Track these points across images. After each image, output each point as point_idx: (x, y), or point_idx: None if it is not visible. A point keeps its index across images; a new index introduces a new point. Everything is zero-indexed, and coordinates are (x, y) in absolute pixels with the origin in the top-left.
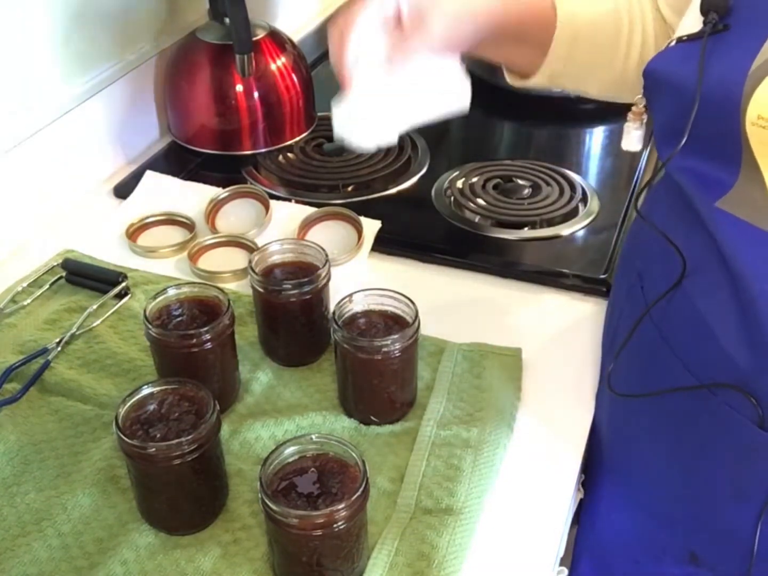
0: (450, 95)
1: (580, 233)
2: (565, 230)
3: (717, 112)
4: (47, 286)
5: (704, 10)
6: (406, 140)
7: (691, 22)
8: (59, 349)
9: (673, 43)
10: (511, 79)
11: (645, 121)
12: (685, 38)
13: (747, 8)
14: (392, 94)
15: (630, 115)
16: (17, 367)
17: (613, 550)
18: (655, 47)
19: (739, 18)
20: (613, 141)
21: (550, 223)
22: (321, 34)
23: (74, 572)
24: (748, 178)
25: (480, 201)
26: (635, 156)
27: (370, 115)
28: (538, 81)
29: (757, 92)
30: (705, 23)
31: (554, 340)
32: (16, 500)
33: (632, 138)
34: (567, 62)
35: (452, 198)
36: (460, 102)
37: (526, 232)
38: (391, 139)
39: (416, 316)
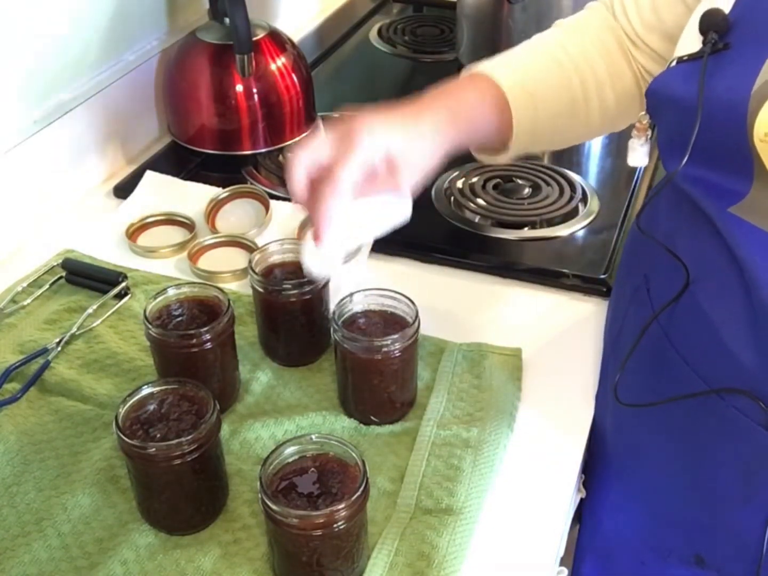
0: (394, 211)
1: (580, 233)
2: (565, 230)
3: (723, 129)
4: (47, 286)
5: (703, 30)
6: None
7: (690, 41)
8: (59, 349)
9: (673, 64)
10: (477, 156)
11: (650, 136)
12: (685, 58)
13: (746, 27)
14: (350, 226)
15: (634, 131)
16: (17, 367)
17: (619, 551)
18: (615, 100)
19: (739, 36)
20: (613, 141)
21: (550, 223)
22: (321, 33)
23: (74, 572)
24: (760, 189)
25: (480, 201)
26: None
27: (336, 252)
28: (505, 159)
29: (763, 110)
30: (704, 43)
31: (554, 340)
32: (16, 500)
33: (638, 154)
34: (530, 143)
35: (452, 198)
36: (403, 215)
37: (526, 232)
38: (343, 261)
39: (416, 316)
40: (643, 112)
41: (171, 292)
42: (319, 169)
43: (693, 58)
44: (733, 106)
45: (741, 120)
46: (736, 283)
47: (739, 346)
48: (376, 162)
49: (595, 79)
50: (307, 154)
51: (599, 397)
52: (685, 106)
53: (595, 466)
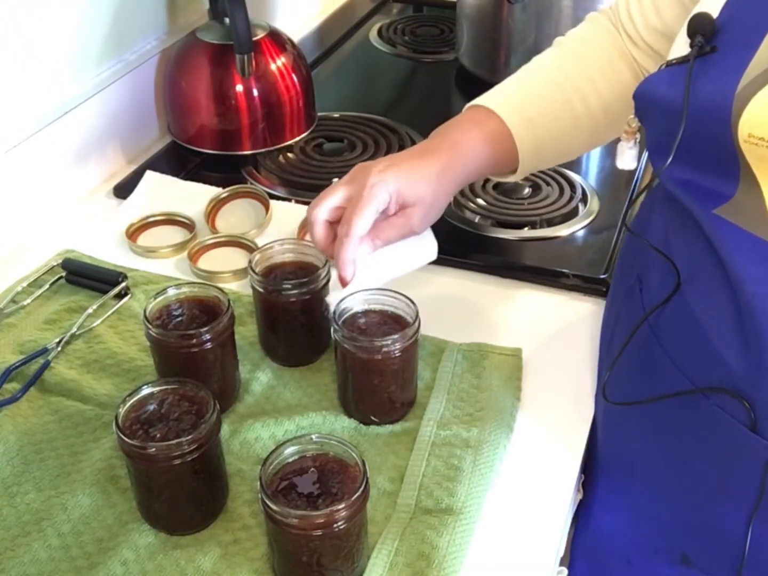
0: (421, 252)
1: (580, 233)
2: (565, 230)
3: (708, 131)
4: (47, 286)
5: (691, 33)
6: (406, 140)
7: (681, 46)
8: (59, 349)
9: (663, 67)
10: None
11: (638, 140)
12: (674, 62)
13: (733, 30)
14: (375, 268)
15: (623, 135)
16: (17, 367)
17: (607, 551)
18: (622, 110)
19: (726, 39)
20: (613, 141)
21: (550, 223)
22: (321, 33)
23: (74, 572)
24: (746, 191)
25: (480, 201)
26: None
27: (359, 291)
28: (515, 179)
29: (746, 111)
30: (692, 46)
31: (554, 339)
32: (16, 500)
33: (626, 157)
34: (537, 164)
35: (452, 198)
36: (430, 255)
37: (526, 232)
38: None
39: (416, 316)
40: (632, 116)
41: (171, 292)
42: (336, 216)
43: (680, 61)
44: (717, 108)
45: (726, 121)
46: (724, 284)
47: (726, 347)
48: (387, 206)
49: (597, 95)
50: (323, 206)
51: (596, 397)
52: (671, 108)
53: (588, 465)
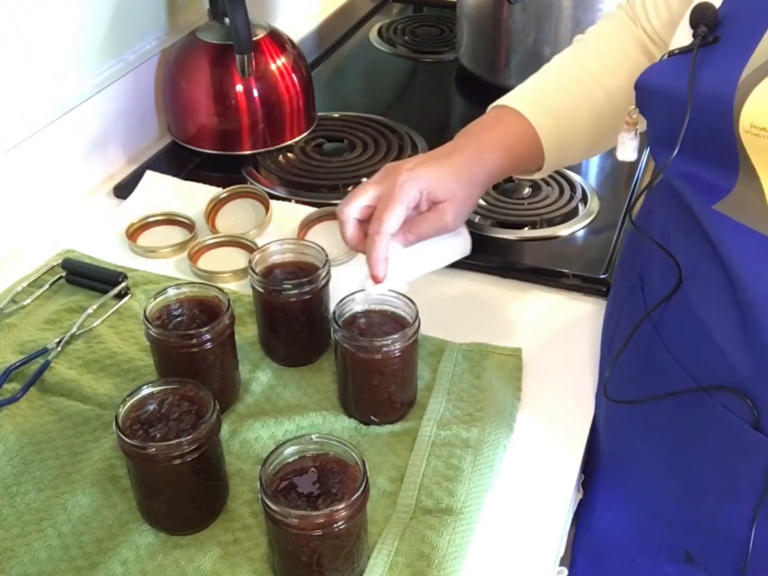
0: (455, 246)
1: (580, 233)
2: (565, 230)
3: (710, 121)
4: (47, 286)
5: (693, 23)
6: (406, 140)
7: (683, 36)
8: (59, 349)
9: (665, 58)
10: (514, 176)
11: (639, 131)
12: (676, 52)
13: (735, 20)
14: (408, 263)
15: (624, 125)
16: (17, 367)
17: (609, 549)
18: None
19: (728, 29)
20: None
21: (550, 223)
22: (321, 33)
23: (74, 572)
24: (745, 183)
25: (480, 201)
26: None
27: (393, 284)
28: (540, 176)
29: (748, 101)
30: (694, 36)
31: (554, 339)
32: (16, 500)
33: (627, 148)
34: (562, 160)
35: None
36: (464, 249)
37: (526, 232)
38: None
39: (416, 316)
40: (633, 106)
41: (171, 292)
42: (366, 214)
43: (683, 51)
44: (719, 98)
45: (727, 111)
46: (726, 281)
47: (729, 344)
48: (418, 203)
49: (619, 88)
50: (354, 204)
51: (597, 397)
52: (673, 98)
53: (589, 464)
